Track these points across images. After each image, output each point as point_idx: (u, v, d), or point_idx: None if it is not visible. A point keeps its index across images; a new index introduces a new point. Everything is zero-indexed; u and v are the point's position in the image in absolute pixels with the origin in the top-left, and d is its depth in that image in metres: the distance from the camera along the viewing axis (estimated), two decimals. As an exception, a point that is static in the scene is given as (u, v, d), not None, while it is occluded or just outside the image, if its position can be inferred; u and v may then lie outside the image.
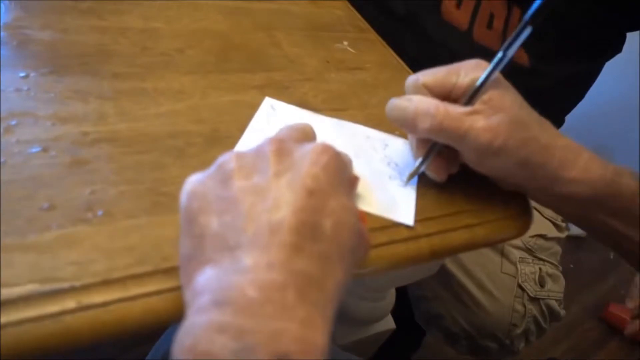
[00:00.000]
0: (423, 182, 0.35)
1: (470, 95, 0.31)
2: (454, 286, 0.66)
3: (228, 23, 0.47)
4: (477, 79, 0.31)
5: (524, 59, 0.58)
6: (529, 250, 0.67)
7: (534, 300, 0.64)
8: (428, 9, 0.60)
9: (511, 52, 0.30)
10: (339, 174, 0.24)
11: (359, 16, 0.56)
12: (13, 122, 0.29)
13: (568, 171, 0.30)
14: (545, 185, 0.31)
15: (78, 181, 0.27)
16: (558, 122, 0.70)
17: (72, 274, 0.23)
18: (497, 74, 0.31)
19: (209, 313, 0.18)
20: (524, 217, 0.35)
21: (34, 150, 0.28)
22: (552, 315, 0.65)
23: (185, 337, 0.18)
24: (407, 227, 0.31)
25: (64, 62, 0.35)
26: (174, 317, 0.23)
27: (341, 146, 0.26)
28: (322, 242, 0.20)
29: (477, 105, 0.30)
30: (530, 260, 0.66)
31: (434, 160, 0.33)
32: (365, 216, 0.29)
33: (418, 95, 0.32)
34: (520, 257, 0.66)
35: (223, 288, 0.19)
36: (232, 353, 0.17)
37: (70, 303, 0.22)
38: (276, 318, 0.18)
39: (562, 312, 0.66)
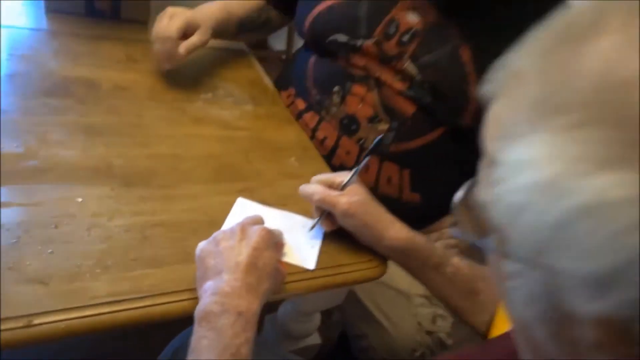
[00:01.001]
0: (323, 246, 0.64)
1: (341, 187, 0.62)
2: (374, 324, 0.93)
3: (221, 148, 0.77)
4: (344, 181, 0.62)
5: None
6: (427, 298, 0.95)
7: (429, 333, 0.91)
8: None
9: (359, 168, 0.61)
10: (270, 241, 0.53)
11: (306, 138, 0.87)
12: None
13: (388, 232, 0.60)
14: (377, 239, 0.61)
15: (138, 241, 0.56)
16: None
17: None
18: (355, 177, 0.62)
19: (210, 297, 0.46)
20: (382, 267, 0.64)
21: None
22: (442, 344, 0.92)
23: (200, 307, 0.46)
24: (311, 270, 0.59)
25: (131, 179, 0.64)
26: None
27: (280, 226, 0.56)
28: (258, 271, 0.49)
29: (344, 192, 0.61)
30: (428, 305, 0.94)
31: (324, 220, 0.63)
32: (285, 265, 0.58)
33: (314, 184, 0.63)
34: (420, 302, 0.94)
35: (215, 288, 0.47)
36: (219, 310, 0.45)
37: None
38: (237, 299, 0.46)
39: (450, 342, 0.93)
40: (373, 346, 0.93)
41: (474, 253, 0.59)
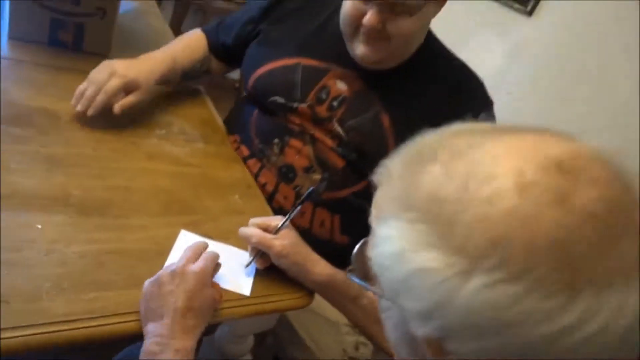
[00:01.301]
0: (257, 276, 0.73)
1: (275, 231, 0.72)
2: (304, 348, 1.02)
3: (171, 183, 0.85)
4: (278, 225, 0.72)
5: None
6: (352, 327, 1.05)
7: (352, 359, 1.01)
8: None
9: (291, 215, 0.72)
10: (207, 280, 0.61)
11: (250, 177, 0.97)
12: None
13: (314, 269, 0.71)
14: (304, 275, 0.72)
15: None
16: None
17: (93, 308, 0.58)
18: (288, 223, 0.72)
19: (151, 339, 0.54)
20: (308, 298, 0.74)
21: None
22: (364, 368, 1.03)
23: (144, 348, 0.54)
24: (246, 296, 0.68)
25: (88, 209, 0.71)
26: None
27: (220, 257, 0.65)
28: (194, 311, 0.58)
29: (278, 235, 0.71)
30: (352, 333, 1.05)
31: (259, 259, 0.73)
32: (221, 291, 0.66)
33: (252, 228, 0.73)
34: (346, 331, 1.04)
35: (155, 330, 0.55)
36: (159, 349, 0.53)
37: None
38: (174, 339, 0.55)
39: (370, 366, 1.04)
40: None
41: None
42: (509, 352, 0.29)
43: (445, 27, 1.87)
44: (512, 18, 1.67)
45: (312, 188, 0.81)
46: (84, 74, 1.00)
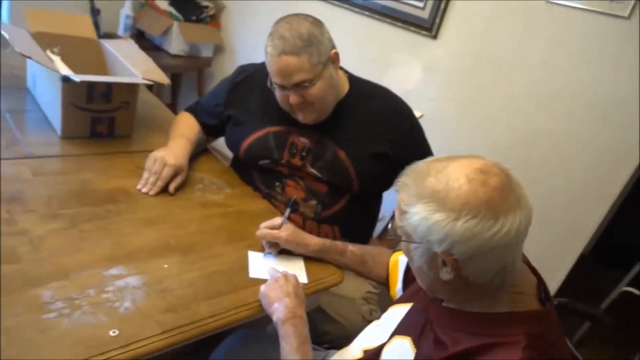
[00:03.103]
0: (306, 270, 1.08)
1: (279, 227, 1.09)
2: (334, 323, 1.37)
3: (223, 220, 1.18)
4: (280, 223, 1.10)
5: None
6: (365, 299, 1.42)
7: (369, 321, 1.38)
8: None
9: (286, 215, 1.11)
10: (297, 280, 0.97)
11: (271, 207, 1.31)
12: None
13: (310, 242, 1.10)
14: (306, 248, 1.10)
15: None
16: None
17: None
18: (285, 220, 1.11)
19: (283, 311, 0.89)
20: (341, 275, 1.11)
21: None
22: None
23: (279, 316, 0.89)
24: (306, 283, 1.04)
25: (185, 250, 1.03)
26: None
27: (281, 264, 1.00)
28: (298, 296, 0.93)
29: (281, 229, 1.08)
30: (366, 304, 1.41)
31: (272, 246, 1.10)
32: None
33: (264, 230, 1.09)
34: (361, 303, 1.40)
35: (282, 306, 0.90)
36: (291, 315, 0.88)
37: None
38: (296, 309, 0.90)
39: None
40: (335, 339, 1.36)
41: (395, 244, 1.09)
42: (476, 248, 0.65)
43: (370, 55, 2.32)
44: (422, 42, 2.12)
45: (294, 197, 1.21)
46: (123, 153, 1.31)
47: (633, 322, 2.23)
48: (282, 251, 1.12)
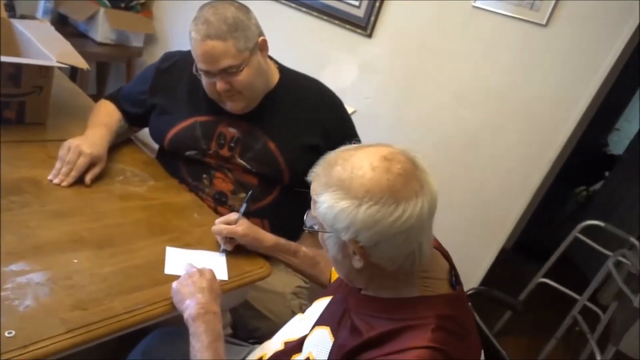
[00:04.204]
0: (228, 264, 1.05)
1: (235, 222, 1.06)
2: (263, 319, 1.34)
3: (145, 214, 1.12)
4: (236, 218, 1.06)
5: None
6: (294, 293, 1.40)
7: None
8: None
9: (242, 210, 1.08)
10: (213, 274, 0.93)
11: (198, 199, 1.26)
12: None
13: (265, 239, 1.08)
14: (260, 244, 1.07)
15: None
16: None
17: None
18: (241, 215, 1.07)
19: (195, 307, 0.84)
20: (269, 269, 1.08)
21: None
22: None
23: (191, 312, 0.84)
24: (226, 280, 1.00)
25: (100, 244, 0.96)
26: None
27: (200, 259, 0.96)
28: (213, 290, 0.89)
29: (238, 224, 1.05)
30: (295, 298, 1.40)
31: (228, 242, 1.06)
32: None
33: (219, 225, 1.06)
34: (291, 297, 1.39)
35: (194, 302, 0.85)
36: (203, 311, 0.84)
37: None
38: (210, 304, 0.85)
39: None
40: (265, 334, 1.34)
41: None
42: (380, 234, 0.65)
43: (308, 52, 2.32)
44: (358, 40, 2.15)
45: (251, 191, 1.16)
46: (34, 142, 1.22)
47: (547, 310, 2.39)
48: (204, 248, 1.08)
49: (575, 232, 2.11)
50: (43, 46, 1.29)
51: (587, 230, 2.12)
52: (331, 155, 0.73)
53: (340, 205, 0.67)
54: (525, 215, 2.42)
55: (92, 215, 1.04)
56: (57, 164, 1.11)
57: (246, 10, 1.16)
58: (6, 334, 0.71)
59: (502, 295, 1.31)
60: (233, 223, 1.07)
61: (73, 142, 1.14)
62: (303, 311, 1.41)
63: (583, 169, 3.89)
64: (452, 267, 0.78)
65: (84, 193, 1.10)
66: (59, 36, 1.42)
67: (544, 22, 1.72)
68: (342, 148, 0.74)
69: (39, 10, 2.52)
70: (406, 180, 0.66)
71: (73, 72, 2.54)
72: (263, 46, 1.19)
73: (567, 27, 1.70)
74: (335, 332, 0.76)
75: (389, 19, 2.07)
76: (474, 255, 1.96)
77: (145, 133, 1.42)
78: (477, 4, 1.83)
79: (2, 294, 0.77)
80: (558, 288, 2.18)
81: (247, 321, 1.37)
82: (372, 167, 0.67)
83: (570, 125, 1.76)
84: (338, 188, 0.67)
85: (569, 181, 3.97)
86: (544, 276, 2.21)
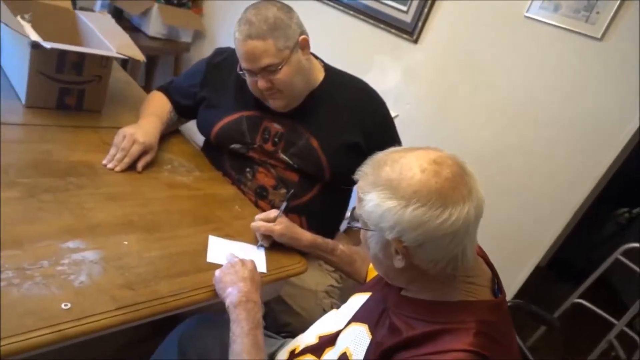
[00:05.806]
0: (267, 257, 1.08)
1: (273, 220, 1.08)
2: (295, 314, 1.36)
3: (190, 203, 1.16)
4: (276, 215, 1.08)
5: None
6: (326, 292, 1.42)
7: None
8: None
9: (282, 208, 1.10)
10: (254, 265, 0.95)
11: (240, 192, 1.29)
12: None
13: (303, 237, 1.10)
14: (298, 243, 1.09)
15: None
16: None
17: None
18: (281, 213, 1.10)
19: (237, 295, 0.87)
20: (305, 265, 1.10)
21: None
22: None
23: (233, 300, 0.86)
24: (265, 272, 1.03)
25: (149, 228, 1.00)
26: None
27: (240, 250, 0.99)
28: (254, 280, 0.92)
29: (276, 222, 1.08)
30: (327, 297, 1.41)
31: (265, 239, 1.09)
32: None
33: (258, 222, 1.09)
34: (323, 296, 1.40)
35: (236, 290, 0.88)
36: (245, 299, 0.86)
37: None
38: (251, 294, 0.88)
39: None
40: (295, 330, 1.36)
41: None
42: (425, 235, 0.66)
43: (352, 54, 2.33)
44: (403, 45, 2.14)
45: (292, 191, 1.18)
46: (90, 127, 1.27)
47: (581, 331, 2.32)
48: (243, 240, 1.11)
49: (617, 254, 2.04)
50: (104, 37, 1.36)
51: (626, 254, 2.05)
52: (380, 156, 0.74)
53: (387, 204, 0.68)
54: (563, 233, 2.36)
55: (141, 200, 1.09)
56: (112, 150, 1.16)
57: (288, 9, 1.19)
58: (62, 306, 0.75)
59: (540, 311, 1.29)
60: (272, 221, 1.10)
61: (128, 130, 1.19)
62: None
63: (626, 190, 3.76)
64: (495, 275, 0.78)
65: (134, 179, 1.15)
66: (118, 28, 1.48)
67: (598, 36, 1.67)
68: (392, 149, 0.75)
69: (96, 4, 2.63)
70: (454, 184, 0.67)
71: (124, 64, 2.64)
72: (304, 45, 1.22)
73: (622, 43, 1.65)
74: (373, 330, 0.77)
75: (437, 25, 2.06)
76: (508, 269, 1.93)
77: (189, 128, 1.46)
78: (529, 13, 1.80)
79: (59, 268, 0.82)
80: (594, 310, 2.12)
81: (278, 315, 1.39)
82: (421, 170, 0.68)
83: (618, 146, 1.71)
84: (385, 187, 0.69)
85: (610, 202, 3.84)
86: (579, 297, 2.15)
